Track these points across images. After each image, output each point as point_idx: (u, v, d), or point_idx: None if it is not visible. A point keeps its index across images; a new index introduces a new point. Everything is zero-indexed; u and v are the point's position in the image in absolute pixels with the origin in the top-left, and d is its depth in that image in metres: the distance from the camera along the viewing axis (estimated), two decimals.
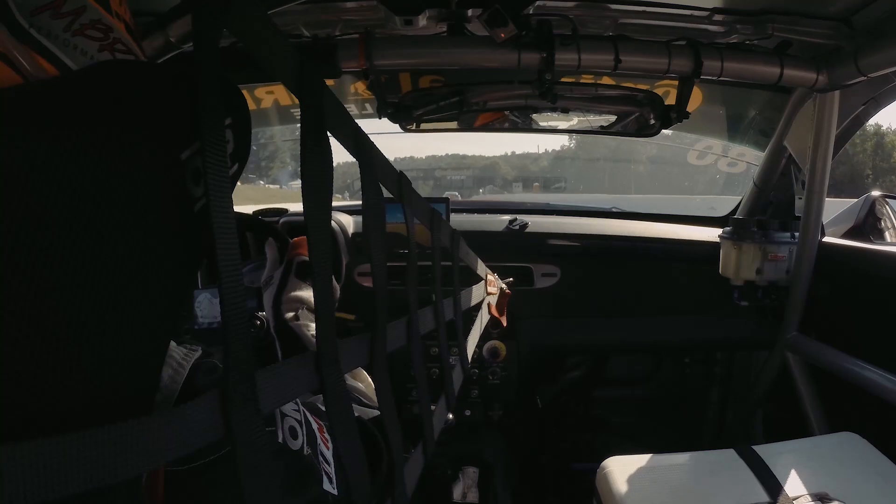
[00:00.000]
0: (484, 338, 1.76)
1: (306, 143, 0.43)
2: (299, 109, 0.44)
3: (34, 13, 0.41)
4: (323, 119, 0.45)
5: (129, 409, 0.29)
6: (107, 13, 0.46)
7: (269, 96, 1.76)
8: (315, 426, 0.56)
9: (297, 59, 0.43)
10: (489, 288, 1.28)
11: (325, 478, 0.53)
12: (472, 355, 1.74)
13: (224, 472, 0.40)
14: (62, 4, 0.42)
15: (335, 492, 0.53)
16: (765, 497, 0.98)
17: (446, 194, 3.34)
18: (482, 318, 1.18)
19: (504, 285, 1.40)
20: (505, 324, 1.43)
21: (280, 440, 0.49)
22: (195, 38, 0.33)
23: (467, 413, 1.81)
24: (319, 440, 0.55)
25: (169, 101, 0.35)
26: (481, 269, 1.25)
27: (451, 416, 1.51)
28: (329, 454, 0.55)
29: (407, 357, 0.68)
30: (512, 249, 1.88)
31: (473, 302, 1.15)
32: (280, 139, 2.82)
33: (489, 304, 1.27)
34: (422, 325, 0.73)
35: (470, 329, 1.08)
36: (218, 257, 0.33)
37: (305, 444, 0.52)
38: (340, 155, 0.56)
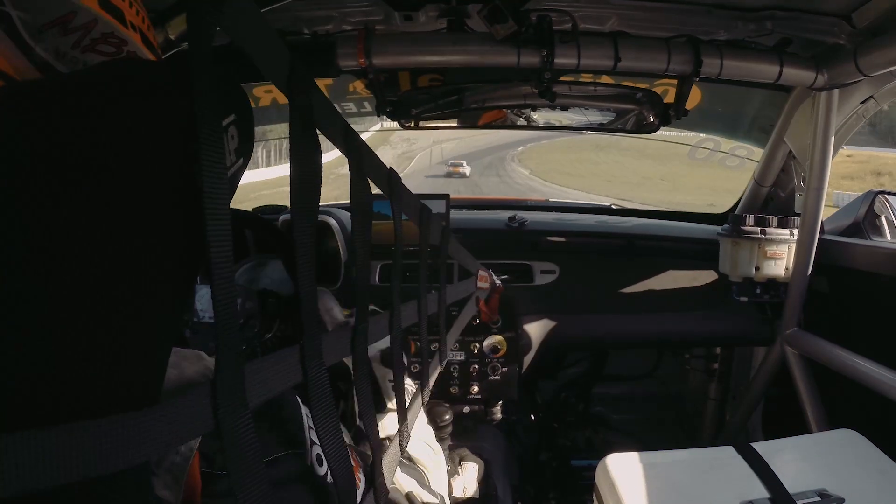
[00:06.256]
0: (484, 333, 1.77)
1: (295, 142, 0.43)
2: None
3: (43, 29, 0.40)
4: (312, 118, 0.45)
5: (129, 406, 0.29)
6: (121, 25, 0.45)
7: (267, 95, 1.75)
8: (352, 464, 0.58)
9: (287, 59, 0.43)
10: (480, 283, 1.30)
11: None
12: (473, 350, 1.74)
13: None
14: (72, 19, 0.41)
15: None
16: (764, 494, 0.98)
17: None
18: (468, 312, 1.21)
19: (498, 281, 1.41)
20: (494, 318, 1.44)
21: (308, 463, 0.53)
22: (189, 36, 0.34)
23: (466, 410, 1.81)
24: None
25: (177, 96, 0.35)
26: (473, 265, 1.27)
27: (448, 416, 1.52)
28: (359, 493, 0.58)
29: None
30: (512, 247, 1.89)
31: (461, 296, 1.17)
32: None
33: (477, 298, 1.30)
34: (407, 319, 0.75)
35: (453, 323, 1.10)
36: (210, 252, 0.33)
37: (329, 473, 0.54)
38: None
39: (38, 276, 0.27)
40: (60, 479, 0.25)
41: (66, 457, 0.25)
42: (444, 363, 1.00)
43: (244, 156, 0.46)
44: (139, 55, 0.47)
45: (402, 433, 0.70)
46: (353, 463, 0.59)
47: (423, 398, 0.82)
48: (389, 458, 0.65)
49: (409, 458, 0.82)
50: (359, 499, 0.56)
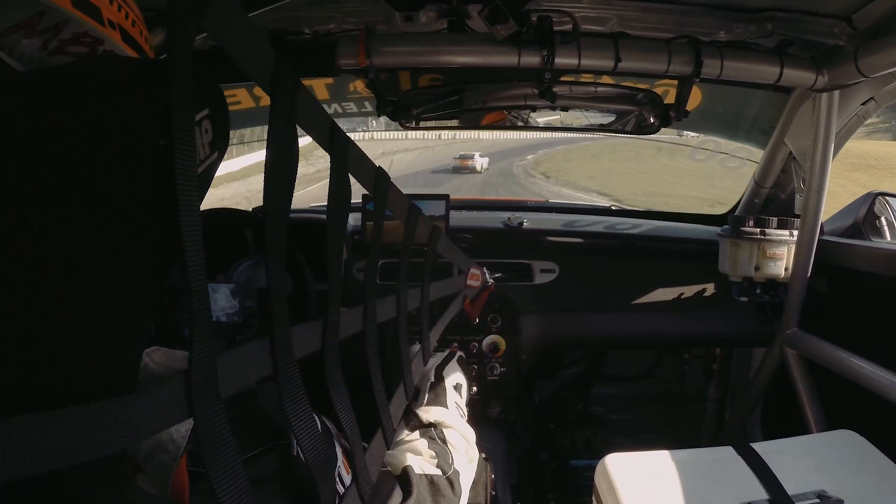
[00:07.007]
0: (483, 332, 1.77)
1: (274, 140, 0.44)
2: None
3: (4, 35, 0.37)
4: (293, 118, 0.46)
5: (102, 395, 0.30)
6: (96, 23, 0.42)
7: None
8: (339, 449, 0.59)
9: (271, 60, 0.44)
10: (470, 281, 1.31)
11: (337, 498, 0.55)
12: (472, 349, 1.74)
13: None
14: (38, 21, 0.38)
15: None
16: (763, 495, 0.98)
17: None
18: (453, 309, 1.21)
19: (490, 280, 1.41)
20: (475, 317, 1.45)
21: (294, 453, 0.52)
22: (169, 35, 0.34)
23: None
24: (340, 462, 0.58)
25: (148, 91, 0.36)
26: (465, 263, 1.28)
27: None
28: (347, 478, 0.58)
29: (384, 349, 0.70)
30: (510, 246, 1.89)
31: (448, 293, 1.18)
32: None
33: (464, 297, 1.30)
34: (385, 314, 0.76)
35: (437, 320, 1.11)
36: (185, 247, 0.34)
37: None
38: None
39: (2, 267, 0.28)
40: (33, 468, 0.25)
41: (42, 445, 0.25)
42: (429, 360, 1.00)
43: (219, 149, 0.46)
44: (117, 54, 0.46)
45: (386, 428, 0.70)
46: (340, 455, 0.59)
47: (406, 393, 0.82)
48: (373, 452, 0.65)
49: (443, 439, 0.82)
50: (343, 490, 0.56)
